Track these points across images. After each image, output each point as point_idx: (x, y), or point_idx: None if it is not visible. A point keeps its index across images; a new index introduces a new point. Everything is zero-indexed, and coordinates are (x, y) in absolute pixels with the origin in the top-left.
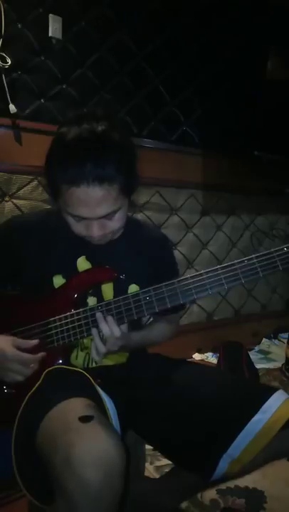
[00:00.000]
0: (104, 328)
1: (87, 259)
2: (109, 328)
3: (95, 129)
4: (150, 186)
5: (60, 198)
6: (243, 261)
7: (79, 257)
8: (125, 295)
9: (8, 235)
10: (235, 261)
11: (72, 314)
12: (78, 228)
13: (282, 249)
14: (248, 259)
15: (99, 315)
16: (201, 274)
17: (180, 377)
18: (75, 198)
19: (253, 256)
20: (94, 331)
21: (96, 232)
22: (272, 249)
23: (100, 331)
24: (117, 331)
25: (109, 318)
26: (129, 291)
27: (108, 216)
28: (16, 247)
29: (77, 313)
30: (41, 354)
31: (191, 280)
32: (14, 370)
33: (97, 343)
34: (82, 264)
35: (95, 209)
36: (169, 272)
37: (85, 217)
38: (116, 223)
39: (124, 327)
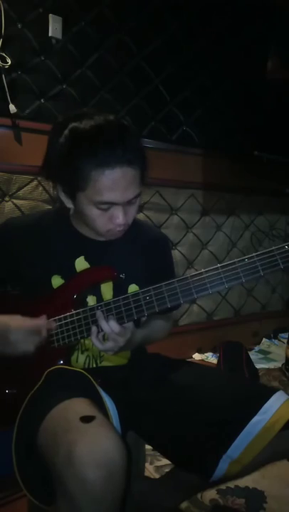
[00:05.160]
0: (104, 325)
1: (86, 259)
2: (108, 325)
3: (110, 119)
4: (150, 186)
5: (84, 190)
6: (243, 259)
7: (77, 258)
8: (125, 295)
9: (5, 236)
10: (236, 259)
11: (72, 314)
12: (102, 220)
13: (284, 247)
14: (249, 258)
15: (99, 313)
16: (201, 273)
17: (180, 378)
18: (108, 181)
19: (254, 254)
20: (93, 328)
21: (122, 219)
22: (274, 247)
23: (99, 330)
24: (116, 328)
25: (109, 316)
26: (128, 291)
27: (133, 200)
28: (12, 248)
29: (78, 314)
30: (44, 320)
31: (191, 280)
32: (20, 341)
33: (94, 341)
34: (81, 264)
35: (125, 192)
36: (166, 272)
37: (114, 203)
38: (134, 211)
39: (130, 324)
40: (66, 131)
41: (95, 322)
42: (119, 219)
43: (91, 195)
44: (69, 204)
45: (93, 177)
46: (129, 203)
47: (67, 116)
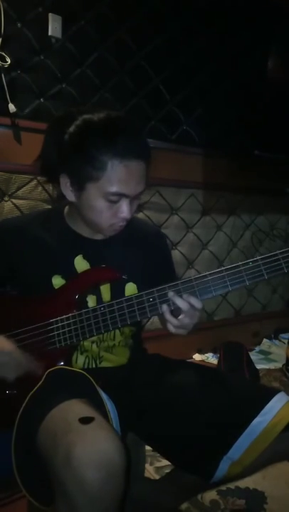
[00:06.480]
0: (181, 303)
1: (84, 257)
2: (189, 300)
3: (121, 114)
4: (150, 186)
5: (97, 181)
6: (247, 263)
7: (76, 256)
8: (128, 296)
9: (0, 237)
10: (240, 262)
11: (74, 315)
12: (107, 214)
13: (288, 251)
14: (253, 261)
15: (172, 293)
16: (205, 276)
17: (180, 379)
18: (124, 172)
19: (258, 258)
20: (164, 307)
21: (128, 213)
22: (278, 251)
23: (172, 309)
24: (197, 303)
25: (185, 295)
26: (126, 290)
27: (139, 195)
28: (9, 249)
29: (79, 315)
30: (34, 358)
31: (195, 282)
32: (5, 368)
33: (170, 318)
34: (80, 263)
35: (137, 185)
36: (165, 268)
37: (125, 195)
38: (136, 207)
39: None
40: (78, 122)
41: (166, 302)
42: (124, 213)
43: (104, 186)
44: (72, 198)
45: (110, 167)
46: (134, 197)
47: (70, 110)
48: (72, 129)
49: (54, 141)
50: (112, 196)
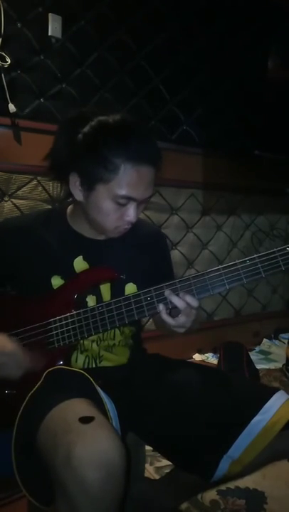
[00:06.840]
0: (177, 301)
1: (84, 259)
2: (185, 299)
3: (135, 119)
4: None
5: (108, 182)
6: (245, 261)
7: (76, 257)
8: (126, 295)
9: (1, 237)
10: (237, 261)
11: (73, 315)
12: (114, 216)
13: (285, 248)
14: (250, 259)
15: (168, 291)
16: (202, 275)
17: (180, 378)
18: (135, 176)
19: (255, 256)
20: (161, 306)
21: (134, 216)
22: (275, 249)
23: (169, 307)
24: (193, 301)
25: (181, 293)
26: (126, 290)
27: (145, 200)
28: (10, 249)
29: (78, 314)
30: (37, 357)
31: (193, 281)
32: (8, 367)
33: (166, 317)
34: (80, 264)
35: (146, 190)
36: (164, 268)
37: (134, 199)
38: (141, 211)
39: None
40: (93, 123)
41: (162, 300)
42: (130, 216)
43: (114, 188)
44: (80, 197)
45: (122, 170)
46: (141, 201)
47: (83, 111)
48: (86, 129)
49: (66, 140)
50: (121, 199)
